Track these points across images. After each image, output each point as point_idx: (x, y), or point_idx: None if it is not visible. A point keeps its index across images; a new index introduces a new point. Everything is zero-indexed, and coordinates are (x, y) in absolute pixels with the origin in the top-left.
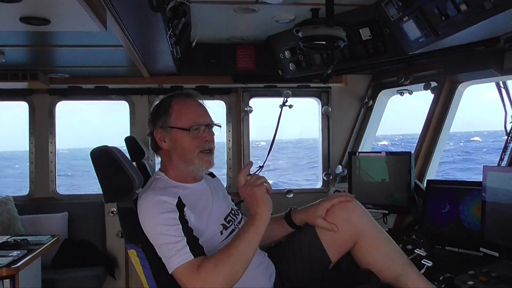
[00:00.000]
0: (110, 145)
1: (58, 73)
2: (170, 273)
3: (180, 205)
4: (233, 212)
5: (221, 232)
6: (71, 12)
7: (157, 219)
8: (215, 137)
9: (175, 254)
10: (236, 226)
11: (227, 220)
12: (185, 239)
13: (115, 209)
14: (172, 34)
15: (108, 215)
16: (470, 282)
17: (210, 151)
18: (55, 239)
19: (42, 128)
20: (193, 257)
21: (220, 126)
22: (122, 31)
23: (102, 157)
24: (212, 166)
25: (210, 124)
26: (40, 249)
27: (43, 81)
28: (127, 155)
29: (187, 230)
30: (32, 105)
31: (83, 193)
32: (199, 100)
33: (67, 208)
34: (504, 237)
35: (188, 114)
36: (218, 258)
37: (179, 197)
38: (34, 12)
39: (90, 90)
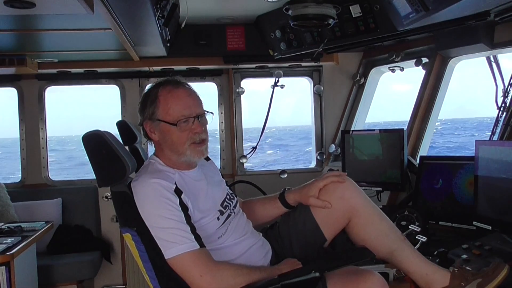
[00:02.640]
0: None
1: (46, 58)
2: (168, 257)
3: (178, 192)
4: (228, 197)
5: (218, 218)
6: None
7: (158, 202)
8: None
9: (179, 240)
10: (232, 211)
11: (224, 205)
12: (188, 227)
13: (109, 194)
14: (160, 15)
15: (102, 200)
16: (464, 256)
17: (202, 141)
18: (49, 225)
19: (32, 114)
20: (198, 247)
21: (212, 114)
22: (110, 13)
23: (94, 142)
24: (204, 155)
25: (199, 115)
26: (34, 236)
27: (31, 66)
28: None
29: (188, 218)
30: (20, 91)
31: (76, 179)
32: (188, 88)
33: (61, 194)
34: (496, 211)
35: (175, 107)
36: (238, 268)
37: (175, 183)
38: None
39: (80, 74)
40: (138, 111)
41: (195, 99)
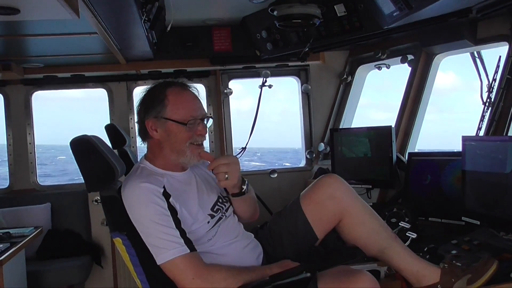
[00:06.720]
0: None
1: (32, 63)
2: (160, 263)
3: (166, 195)
4: (220, 200)
5: (208, 222)
6: (41, 0)
7: (146, 206)
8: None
9: (169, 245)
10: (224, 214)
11: (215, 209)
12: (178, 232)
13: (98, 198)
14: (146, 19)
15: (92, 203)
16: (454, 251)
17: (201, 144)
18: (38, 230)
19: (18, 120)
20: (189, 251)
21: (212, 118)
22: (95, 17)
23: (82, 146)
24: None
25: (205, 117)
26: (23, 242)
27: (17, 71)
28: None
29: (177, 222)
30: (7, 97)
31: (65, 183)
32: (194, 91)
33: (50, 198)
34: (484, 205)
35: (185, 107)
36: (228, 270)
37: (164, 187)
38: (2, 1)
39: (67, 78)
40: (137, 109)
41: (200, 102)
